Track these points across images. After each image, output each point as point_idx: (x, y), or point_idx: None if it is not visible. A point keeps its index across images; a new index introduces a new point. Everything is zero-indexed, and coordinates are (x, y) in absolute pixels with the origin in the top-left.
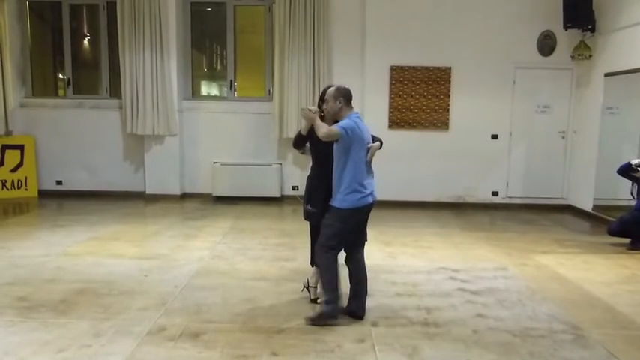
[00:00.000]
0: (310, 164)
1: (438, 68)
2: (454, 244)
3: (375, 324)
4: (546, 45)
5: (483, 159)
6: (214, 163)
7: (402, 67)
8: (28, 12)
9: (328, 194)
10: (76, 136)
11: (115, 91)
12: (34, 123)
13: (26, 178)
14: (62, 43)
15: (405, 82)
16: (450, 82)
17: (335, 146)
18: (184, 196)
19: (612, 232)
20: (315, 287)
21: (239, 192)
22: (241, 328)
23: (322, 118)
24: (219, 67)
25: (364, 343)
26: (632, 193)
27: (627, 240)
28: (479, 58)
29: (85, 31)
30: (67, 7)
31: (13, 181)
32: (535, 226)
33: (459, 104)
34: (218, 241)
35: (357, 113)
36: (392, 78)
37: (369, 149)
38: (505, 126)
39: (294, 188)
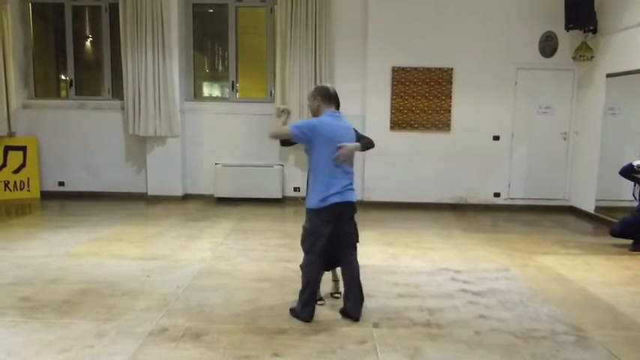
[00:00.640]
0: None
1: (440, 69)
2: (456, 246)
3: (377, 325)
4: (548, 46)
5: (485, 160)
6: (216, 164)
7: (403, 68)
8: (31, 13)
9: None
10: (78, 137)
11: (117, 93)
12: (37, 124)
13: (29, 179)
14: (65, 45)
15: (407, 83)
16: (451, 83)
17: None
18: (186, 197)
19: (614, 234)
20: (337, 281)
21: (241, 193)
22: (243, 329)
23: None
24: (220, 69)
25: (366, 345)
26: (634, 194)
27: (629, 241)
28: (480, 59)
29: (88, 32)
30: (69, 9)
31: (15, 182)
32: (537, 227)
33: (461, 105)
34: (220, 242)
35: (334, 112)
36: (393, 79)
37: (339, 147)
38: (507, 127)
39: (296, 189)
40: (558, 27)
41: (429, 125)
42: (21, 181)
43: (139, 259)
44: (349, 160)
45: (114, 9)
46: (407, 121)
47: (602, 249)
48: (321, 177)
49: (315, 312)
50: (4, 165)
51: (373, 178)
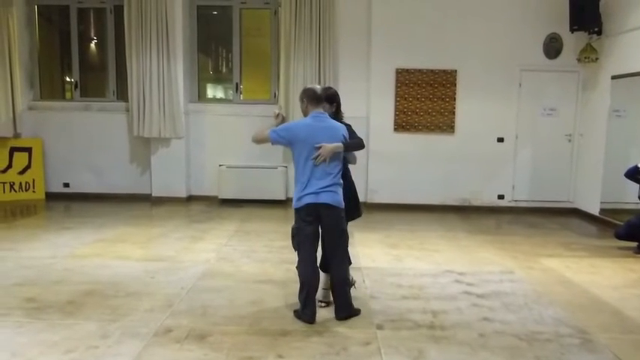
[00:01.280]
0: None
1: (444, 71)
2: (460, 248)
3: (380, 327)
4: (552, 47)
5: (489, 162)
6: (220, 165)
7: (407, 70)
8: (37, 16)
9: None
10: (83, 139)
11: (122, 94)
12: (42, 126)
13: (34, 180)
14: (70, 47)
15: (411, 84)
16: (455, 84)
17: None
18: (190, 199)
19: (620, 236)
20: (327, 289)
21: (245, 194)
22: (247, 331)
23: None
24: (225, 70)
25: (370, 346)
26: (639, 197)
27: (635, 244)
28: (485, 60)
29: (93, 34)
30: (74, 11)
31: (20, 183)
32: (541, 229)
33: (465, 107)
34: (224, 243)
35: (318, 113)
36: (397, 81)
37: (318, 148)
38: (511, 129)
39: None
40: (563, 29)
41: (432, 127)
42: (26, 183)
43: (144, 260)
44: (332, 160)
45: (119, 11)
46: (411, 122)
47: (607, 251)
48: (300, 177)
49: (318, 314)
50: (10, 166)
51: (377, 179)
